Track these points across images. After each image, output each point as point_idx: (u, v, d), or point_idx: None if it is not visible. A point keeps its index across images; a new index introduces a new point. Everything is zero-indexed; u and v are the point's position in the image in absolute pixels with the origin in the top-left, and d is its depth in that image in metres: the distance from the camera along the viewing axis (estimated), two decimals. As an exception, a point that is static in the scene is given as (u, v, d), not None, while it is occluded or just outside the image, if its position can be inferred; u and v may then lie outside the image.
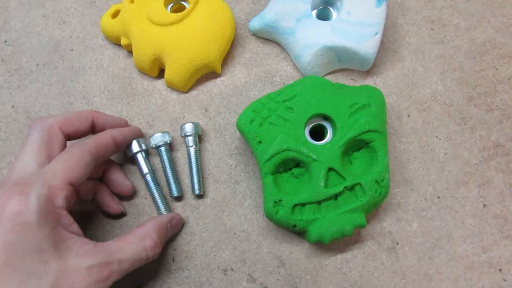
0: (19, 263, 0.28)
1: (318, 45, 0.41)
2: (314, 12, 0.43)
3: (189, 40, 0.40)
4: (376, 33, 0.40)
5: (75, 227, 0.32)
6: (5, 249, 0.27)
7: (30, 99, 0.43)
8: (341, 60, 0.42)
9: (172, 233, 0.39)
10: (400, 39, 0.45)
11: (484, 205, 0.41)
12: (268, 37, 0.44)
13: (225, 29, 0.41)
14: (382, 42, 0.44)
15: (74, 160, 0.32)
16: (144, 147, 0.40)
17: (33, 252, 0.28)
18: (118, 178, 0.39)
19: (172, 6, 0.43)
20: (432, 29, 0.45)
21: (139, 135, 0.40)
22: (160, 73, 0.44)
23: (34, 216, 0.28)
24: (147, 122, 0.43)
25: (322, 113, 0.37)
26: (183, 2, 0.43)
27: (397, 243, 0.40)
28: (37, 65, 0.44)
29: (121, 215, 0.40)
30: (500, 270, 0.39)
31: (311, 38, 0.41)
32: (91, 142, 0.34)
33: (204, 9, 0.41)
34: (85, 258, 0.30)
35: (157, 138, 0.40)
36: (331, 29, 0.41)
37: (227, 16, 0.42)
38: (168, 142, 0.41)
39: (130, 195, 0.40)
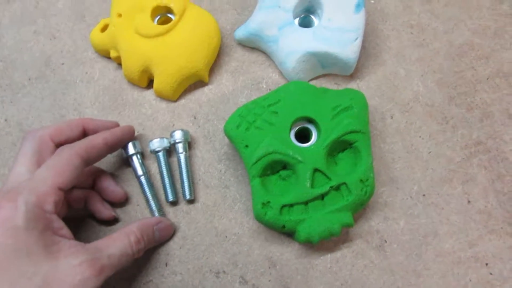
0: (9, 266, 0.29)
1: (301, 51, 0.42)
2: (297, 21, 0.45)
3: (176, 50, 0.42)
4: (357, 38, 0.42)
5: (66, 230, 0.33)
6: None
7: (23, 112, 0.44)
8: (324, 65, 0.44)
9: (160, 237, 0.39)
10: (381, 43, 0.47)
11: (469, 201, 0.42)
12: (253, 46, 0.46)
13: (211, 39, 0.43)
14: (364, 47, 0.46)
15: (63, 164, 0.33)
16: (139, 150, 0.41)
17: (23, 255, 0.29)
18: (109, 185, 0.40)
19: (158, 18, 0.44)
20: (411, 33, 0.47)
21: (131, 134, 0.41)
22: (149, 84, 0.45)
23: (23, 221, 0.30)
24: (138, 131, 0.44)
25: (306, 116, 0.39)
26: (169, 15, 0.44)
27: (385, 241, 0.41)
28: (29, 79, 0.45)
29: (114, 220, 0.41)
30: (487, 264, 0.40)
31: (294, 45, 0.42)
32: (80, 145, 0.35)
33: (190, 21, 0.43)
34: (74, 256, 0.31)
35: (156, 143, 0.41)
36: (313, 36, 0.42)
37: (213, 26, 0.43)
38: (167, 147, 0.42)
39: (122, 202, 0.41)
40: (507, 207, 0.42)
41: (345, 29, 0.42)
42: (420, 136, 0.44)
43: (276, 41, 0.43)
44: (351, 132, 0.38)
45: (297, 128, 0.40)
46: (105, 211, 0.40)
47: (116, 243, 0.34)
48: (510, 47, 0.46)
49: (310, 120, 0.39)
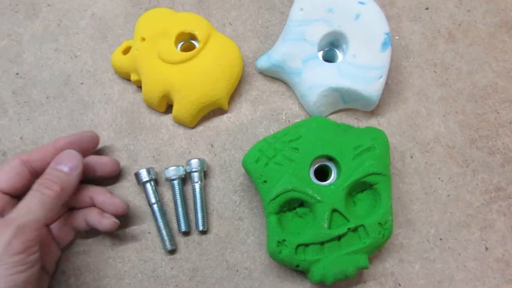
0: None
1: (323, 86, 0.41)
2: (321, 53, 0.44)
3: (198, 78, 0.41)
4: (381, 76, 0.41)
5: None
6: None
7: (39, 131, 0.44)
8: (346, 100, 0.43)
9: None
10: (403, 80, 0.46)
11: (486, 248, 0.41)
12: (274, 76, 0.45)
13: (233, 68, 0.42)
14: (386, 83, 0.45)
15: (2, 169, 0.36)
16: (153, 177, 0.41)
17: None
18: (106, 199, 0.39)
19: (182, 44, 0.44)
20: (435, 71, 0.46)
21: (92, 140, 0.41)
22: (168, 109, 0.45)
23: None
24: (153, 157, 0.43)
25: (327, 154, 0.38)
26: (193, 41, 0.44)
27: (399, 285, 0.40)
28: (47, 97, 0.45)
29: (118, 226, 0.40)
30: (502, 315, 0.39)
31: (317, 79, 0.42)
32: (25, 153, 0.38)
33: (213, 48, 0.42)
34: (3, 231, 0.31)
35: (171, 172, 0.41)
36: (337, 71, 0.42)
37: (236, 55, 0.43)
38: (182, 176, 0.41)
39: (124, 213, 0.40)
40: (525, 256, 0.41)
41: (370, 67, 0.41)
42: (439, 178, 0.43)
43: (299, 74, 0.43)
44: (372, 174, 0.37)
45: (317, 165, 0.39)
46: (104, 220, 0.38)
47: (28, 199, 0.34)
48: (534, 91, 0.46)
49: (331, 158, 0.39)
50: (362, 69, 0.41)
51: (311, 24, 0.42)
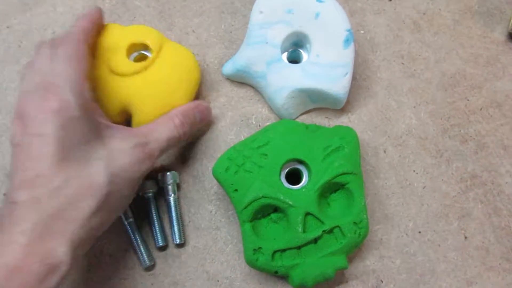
0: (74, 154, 0.31)
1: (289, 88, 0.41)
2: (285, 55, 0.44)
3: (154, 88, 0.40)
4: (346, 73, 0.41)
5: (104, 117, 0.37)
6: (58, 145, 0.30)
7: (7, 156, 0.43)
8: (314, 100, 0.43)
9: (201, 119, 0.41)
10: (371, 75, 0.46)
11: (465, 237, 0.41)
12: (241, 81, 0.45)
13: (190, 74, 0.41)
14: (354, 79, 0.45)
15: (75, 54, 0.34)
16: None
17: (82, 144, 0.32)
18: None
19: (135, 57, 0.43)
20: (402, 63, 0.46)
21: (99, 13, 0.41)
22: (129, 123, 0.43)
23: (77, 112, 0.31)
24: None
25: (296, 158, 0.38)
26: (145, 52, 0.43)
27: (382, 281, 0.40)
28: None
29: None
30: (486, 302, 0.39)
31: (283, 81, 0.41)
32: (77, 30, 0.36)
33: (167, 57, 0.41)
34: (126, 142, 0.34)
35: (146, 186, 0.40)
36: (302, 72, 0.41)
37: (191, 61, 0.42)
38: (155, 191, 0.41)
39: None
40: (504, 242, 0.41)
41: (334, 65, 0.41)
42: (414, 171, 0.43)
43: (264, 77, 0.42)
44: (342, 174, 0.37)
45: (288, 169, 0.39)
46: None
47: (161, 127, 0.37)
48: (503, 75, 0.46)
49: (301, 161, 0.38)
50: (326, 68, 0.41)
51: (271, 27, 0.42)
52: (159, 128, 0.37)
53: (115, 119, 0.41)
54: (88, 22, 0.38)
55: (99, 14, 0.40)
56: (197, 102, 0.41)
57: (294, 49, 0.44)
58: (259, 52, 0.42)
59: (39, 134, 0.30)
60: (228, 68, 0.44)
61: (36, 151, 0.30)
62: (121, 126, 0.36)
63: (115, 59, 0.40)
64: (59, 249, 0.29)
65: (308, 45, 0.43)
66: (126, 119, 0.43)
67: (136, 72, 0.40)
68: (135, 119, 0.41)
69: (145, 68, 0.40)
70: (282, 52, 0.43)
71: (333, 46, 0.41)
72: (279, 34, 0.42)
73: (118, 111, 0.41)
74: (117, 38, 0.41)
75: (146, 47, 0.42)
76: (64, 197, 0.30)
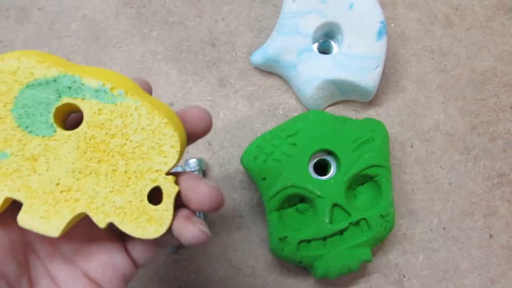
0: None
1: (319, 79, 0.41)
2: (315, 45, 0.43)
3: None
4: (377, 66, 0.41)
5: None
6: None
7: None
8: (343, 92, 0.43)
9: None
10: (401, 69, 0.45)
11: (491, 236, 0.41)
12: (270, 70, 0.45)
13: None
14: (383, 72, 0.44)
15: None
16: None
17: None
18: (190, 185, 0.25)
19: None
20: (433, 58, 0.46)
21: None
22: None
23: None
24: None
25: (326, 148, 0.38)
26: None
27: (404, 276, 0.40)
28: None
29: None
30: (509, 302, 0.39)
31: (313, 72, 0.41)
32: None
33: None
34: None
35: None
36: (332, 63, 0.41)
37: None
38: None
39: (215, 210, 0.25)
40: (530, 242, 0.40)
41: (365, 57, 0.41)
42: (440, 167, 0.42)
43: (294, 67, 0.42)
44: (372, 166, 0.37)
45: (316, 159, 0.39)
46: (186, 227, 0.24)
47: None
48: (534, 74, 0.45)
49: (330, 152, 0.38)
50: (357, 60, 0.41)
51: (304, 16, 0.41)
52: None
53: None
54: None
55: None
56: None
57: (325, 40, 0.44)
58: (290, 42, 0.42)
59: None
60: (258, 57, 0.44)
61: None
62: None
63: None
64: None
65: (339, 36, 0.42)
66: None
67: None
68: None
69: None
70: (313, 43, 0.43)
71: (365, 38, 0.41)
72: (312, 24, 0.41)
73: None
74: None
75: None
76: None
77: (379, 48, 0.41)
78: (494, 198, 0.42)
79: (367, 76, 0.41)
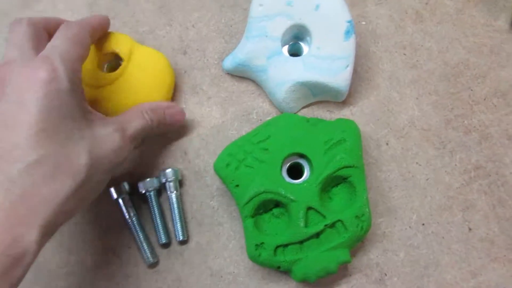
0: (57, 129, 0.29)
1: (290, 81, 0.41)
2: (286, 48, 0.43)
3: (129, 95, 0.40)
4: (347, 66, 0.41)
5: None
6: (41, 115, 0.28)
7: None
8: (315, 93, 0.42)
9: (171, 121, 0.40)
10: (373, 66, 0.45)
11: (470, 229, 0.41)
12: (242, 75, 0.45)
13: (163, 77, 0.41)
14: (356, 71, 0.44)
15: (77, 35, 0.33)
16: (127, 191, 0.40)
17: (68, 119, 0.30)
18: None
19: (107, 66, 0.43)
20: (404, 54, 0.46)
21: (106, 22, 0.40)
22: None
23: (66, 83, 0.30)
24: (128, 171, 0.43)
25: (297, 152, 0.37)
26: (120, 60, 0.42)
27: (385, 274, 0.40)
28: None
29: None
30: (491, 294, 0.39)
31: (283, 75, 0.41)
32: (84, 21, 0.36)
33: (138, 62, 0.41)
34: (107, 126, 0.33)
35: (145, 184, 0.40)
36: (302, 65, 0.41)
37: (163, 64, 0.42)
38: (157, 188, 0.41)
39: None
40: (509, 233, 0.40)
41: (335, 57, 0.41)
42: (417, 163, 0.42)
43: (265, 71, 0.42)
44: (344, 167, 0.37)
45: (289, 163, 0.38)
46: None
47: (134, 118, 0.36)
48: (507, 64, 0.45)
49: (302, 155, 0.38)
50: (327, 61, 0.41)
51: (272, 19, 0.41)
52: (132, 118, 0.36)
53: None
54: (96, 22, 0.38)
55: (107, 21, 0.40)
56: (169, 103, 0.41)
57: (295, 42, 0.44)
58: (259, 46, 0.42)
59: (19, 102, 0.28)
60: (229, 62, 0.44)
61: (13, 119, 0.28)
62: (99, 113, 0.35)
63: (86, 72, 0.40)
64: (27, 237, 0.26)
65: (308, 38, 0.42)
66: None
67: (110, 82, 0.40)
68: None
69: (118, 77, 0.40)
70: (283, 45, 0.42)
71: (333, 38, 0.41)
72: (279, 27, 0.41)
73: None
74: None
75: (117, 56, 0.42)
76: (39, 175, 0.27)
77: (347, 47, 0.41)
78: (472, 191, 0.42)
79: (337, 76, 0.41)
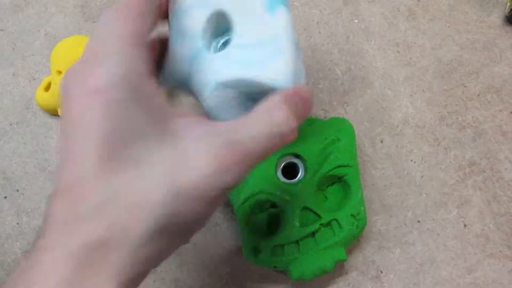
0: (120, 157, 0.21)
1: (209, 84, 0.28)
2: (213, 46, 0.30)
3: None
4: (279, 51, 0.26)
5: (172, 101, 0.27)
6: (100, 140, 0.21)
7: (6, 159, 0.43)
8: (252, 98, 0.28)
9: (303, 113, 0.26)
10: (367, 65, 0.45)
11: (465, 225, 0.41)
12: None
13: None
14: (350, 69, 0.45)
15: (131, 11, 0.24)
16: None
17: (135, 140, 0.22)
18: None
19: None
20: (398, 52, 0.46)
21: None
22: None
23: (125, 92, 0.22)
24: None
25: (292, 152, 0.38)
26: None
27: (381, 272, 0.40)
28: (11, 124, 0.44)
29: None
30: (486, 290, 0.39)
31: (203, 78, 0.29)
32: None
33: None
34: (206, 140, 0.23)
35: None
36: (223, 61, 0.28)
37: None
38: None
39: None
40: (505, 228, 0.41)
41: (260, 42, 0.27)
42: (411, 160, 0.43)
43: (190, 79, 0.29)
44: (339, 166, 0.37)
45: (284, 163, 0.39)
46: None
47: (253, 123, 0.24)
48: (500, 60, 0.45)
49: (297, 155, 0.38)
50: (256, 49, 0.27)
51: (188, 15, 0.29)
52: (254, 123, 0.24)
53: None
54: None
55: None
56: (296, 86, 0.26)
57: (228, 39, 0.30)
58: (180, 52, 0.29)
59: (79, 122, 0.22)
60: (164, 81, 0.31)
61: (75, 145, 0.22)
62: (194, 120, 0.24)
63: None
64: None
65: (232, 27, 0.28)
66: None
67: None
68: None
69: None
70: (209, 44, 0.29)
71: (256, 19, 0.27)
72: (197, 22, 0.28)
73: None
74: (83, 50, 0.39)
75: None
76: (110, 215, 0.21)
77: (274, 25, 0.27)
78: (467, 188, 0.42)
79: (266, 67, 0.26)
